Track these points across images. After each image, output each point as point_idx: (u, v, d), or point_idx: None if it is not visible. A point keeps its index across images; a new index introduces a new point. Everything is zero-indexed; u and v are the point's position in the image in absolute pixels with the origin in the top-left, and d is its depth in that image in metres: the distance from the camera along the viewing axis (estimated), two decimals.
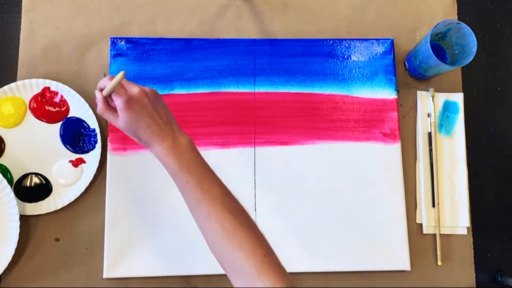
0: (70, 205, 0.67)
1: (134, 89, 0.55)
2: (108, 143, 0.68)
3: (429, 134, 0.72)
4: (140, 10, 0.74)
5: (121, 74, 0.53)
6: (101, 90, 0.57)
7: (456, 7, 0.77)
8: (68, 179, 0.68)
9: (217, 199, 0.51)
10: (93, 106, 0.69)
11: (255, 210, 0.68)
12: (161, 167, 0.68)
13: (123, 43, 0.71)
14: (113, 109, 0.56)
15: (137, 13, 0.73)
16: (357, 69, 0.73)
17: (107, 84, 0.55)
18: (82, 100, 0.68)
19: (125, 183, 0.68)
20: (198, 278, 0.67)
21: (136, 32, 0.73)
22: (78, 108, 0.69)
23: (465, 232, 0.71)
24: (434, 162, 0.71)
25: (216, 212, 0.50)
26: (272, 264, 0.48)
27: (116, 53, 0.71)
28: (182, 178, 0.53)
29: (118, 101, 0.54)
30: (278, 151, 0.70)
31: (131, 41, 0.71)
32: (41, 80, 0.69)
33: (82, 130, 0.69)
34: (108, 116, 0.56)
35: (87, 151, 0.69)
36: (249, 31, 0.74)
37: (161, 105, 0.56)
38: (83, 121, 0.69)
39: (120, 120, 0.55)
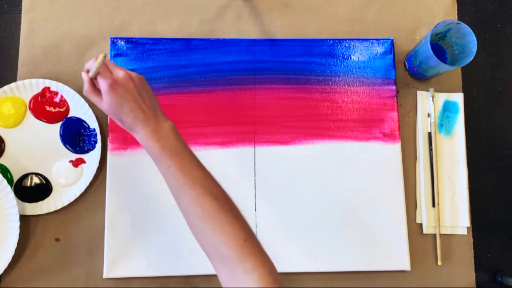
0: (70, 205, 0.67)
1: (119, 72, 0.55)
2: (108, 143, 0.68)
3: (429, 134, 0.72)
4: (140, 10, 0.74)
5: (101, 56, 0.54)
6: (88, 71, 0.57)
7: (456, 7, 0.77)
8: (68, 179, 0.68)
9: (199, 183, 0.51)
10: (93, 106, 0.69)
11: (255, 210, 0.68)
12: None
13: (123, 43, 0.71)
14: (98, 91, 0.56)
15: (137, 13, 0.74)
16: (357, 69, 0.73)
17: (92, 66, 0.56)
18: (82, 100, 0.68)
19: (125, 183, 0.68)
20: (198, 278, 0.67)
21: (136, 32, 0.73)
22: (78, 108, 0.69)
23: (465, 232, 0.71)
24: (434, 162, 0.71)
25: (198, 196, 0.50)
26: (252, 248, 0.48)
27: (116, 53, 0.71)
28: (164, 162, 0.53)
29: (103, 84, 0.54)
30: (278, 151, 0.70)
31: (131, 41, 0.71)
32: (41, 80, 0.69)
33: (82, 130, 0.69)
34: (93, 98, 0.56)
35: (87, 151, 0.69)
36: (249, 31, 0.74)
37: (146, 90, 0.56)
38: (83, 121, 0.69)
39: (104, 103, 0.55)
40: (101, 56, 0.54)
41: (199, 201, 0.50)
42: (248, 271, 0.46)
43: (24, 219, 0.66)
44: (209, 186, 0.51)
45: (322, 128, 0.71)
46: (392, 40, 0.74)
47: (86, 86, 0.56)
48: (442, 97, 0.74)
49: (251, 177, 0.69)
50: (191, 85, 0.71)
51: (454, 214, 0.71)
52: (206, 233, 0.49)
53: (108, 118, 0.69)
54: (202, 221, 0.50)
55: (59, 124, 0.69)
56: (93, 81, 0.57)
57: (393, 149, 0.71)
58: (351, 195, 0.70)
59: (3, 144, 0.68)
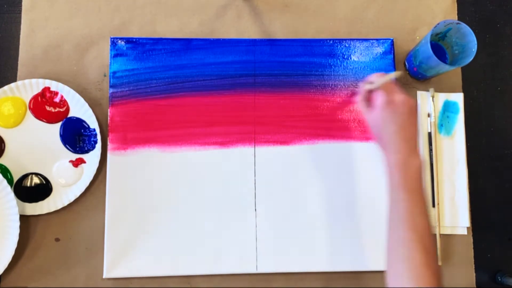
0: (70, 205, 0.67)
1: (399, 95, 0.57)
2: (108, 143, 0.68)
3: (429, 134, 0.72)
4: (140, 10, 0.74)
5: (394, 74, 0.57)
6: (369, 83, 0.61)
7: (456, 7, 0.77)
8: (68, 179, 0.68)
9: (418, 231, 0.51)
10: (93, 106, 0.69)
11: (255, 210, 0.68)
12: (161, 167, 0.68)
13: (123, 43, 0.71)
14: (369, 103, 0.60)
15: (137, 13, 0.74)
16: (357, 69, 0.73)
17: (377, 79, 0.59)
18: (82, 100, 0.68)
19: (125, 183, 0.68)
20: (198, 278, 0.67)
21: (136, 32, 0.73)
22: (78, 108, 0.69)
23: (465, 232, 0.71)
24: (434, 162, 0.71)
25: (411, 242, 0.51)
26: None
27: (116, 53, 0.71)
28: (398, 194, 0.54)
29: (379, 98, 0.57)
30: (278, 151, 0.70)
31: (131, 41, 0.71)
32: (41, 80, 0.69)
33: (82, 130, 0.69)
34: (362, 107, 0.61)
35: (87, 151, 0.69)
36: (249, 31, 0.74)
37: (413, 120, 0.57)
38: (83, 121, 0.69)
39: (372, 115, 0.58)
40: (393, 74, 0.57)
41: (409, 246, 0.51)
42: None
43: (24, 219, 0.66)
44: (426, 239, 0.51)
45: (322, 128, 0.71)
46: (392, 40, 0.74)
47: (361, 95, 0.61)
48: (442, 97, 0.74)
49: (251, 177, 0.69)
50: (191, 85, 0.71)
51: (454, 214, 0.71)
52: (401, 276, 0.50)
53: (108, 118, 0.69)
54: (400, 263, 0.50)
55: (59, 124, 0.69)
56: (369, 92, 0.60)
57: None
58: (351, 195, 0.70)
59: (3, 144, 0.68)
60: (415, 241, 0.50)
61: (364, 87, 0.61)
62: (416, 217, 0.52)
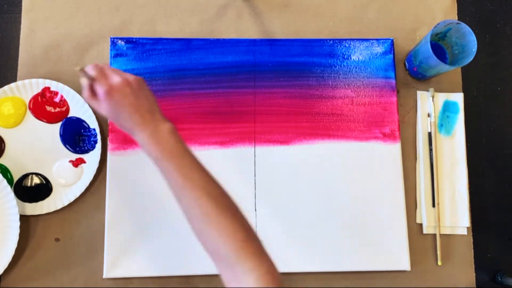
0: (70, 205, 0.67)
1: (115, 78, 0.55)
2: (108, 143, 0.68)
3: (429, 134, 0.72)
4: (140, 10, 0.74)
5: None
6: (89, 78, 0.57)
7: (456, 7, 0.77)
8: (68, 179, 0.68)
9: (199, 185, 0.51)
10: (93, 106, 0.69)
11: (255, 210, 0.68)
12: None
13: (123, 43, 0.71)
14: (95, 95, 0.57)
15: (137, 13, 0.74)
16: (357, 69, 0.73)
17: (91, 72, 0.56)
18: (82, 100, 0.68)
19: (125, 183, 0.68)
20: (198, 278, 0.67)
21: (136, 32, 0.73)
22: (78, 108, 0.69)
23: (465, 232, 0.71)
24: (434, 162, 0.71)
25: (198, 198, 0.51)
26: (252, 248, 0.48)
27: (116, 53, 0.71)
28: (164, 165, 0.53)
29: (99, 90, 0.55)
30: (278, 150, 0.70)
31: (131, 41, 0.71)
32: (41, 80, 0.69)
33: (82, 130, 0.69)
34: (93, 104, 0.57)
35: (87, 151, 0.69)
36: (249, 31, 0.74)
37: (144, 93, 0.56)
38: (83, 121, 0.69)
39: (103, 108, 0.56)
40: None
41: (198, 203, 0.50)
42: (246, 272, 0.47)
43: (24, 219, 0.66)
44: (209, 188, 0.52)
45: (322, 128, 0.71)
46: (392, 40, 0.74)
47: (86, 93, 0.57)
48: (442, 97, 0.74)
49: (251, 177, 0.69)
50: (191, 85, 0.71)
51: (454, 214, 0.71)
52: (207, 235, 0.50)
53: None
54: (202, 223, 0.50)
55: (59, 124, 0.69)
56: (92, 86, 0.57)
57: (393, 149, 0.71)
58: (351, 195, 0.70)
59: (3, 144, 0.68)
60: (201, 197, 0.50)
61: (84, 83, 0.57)
62: (192, 175, 0.52)
